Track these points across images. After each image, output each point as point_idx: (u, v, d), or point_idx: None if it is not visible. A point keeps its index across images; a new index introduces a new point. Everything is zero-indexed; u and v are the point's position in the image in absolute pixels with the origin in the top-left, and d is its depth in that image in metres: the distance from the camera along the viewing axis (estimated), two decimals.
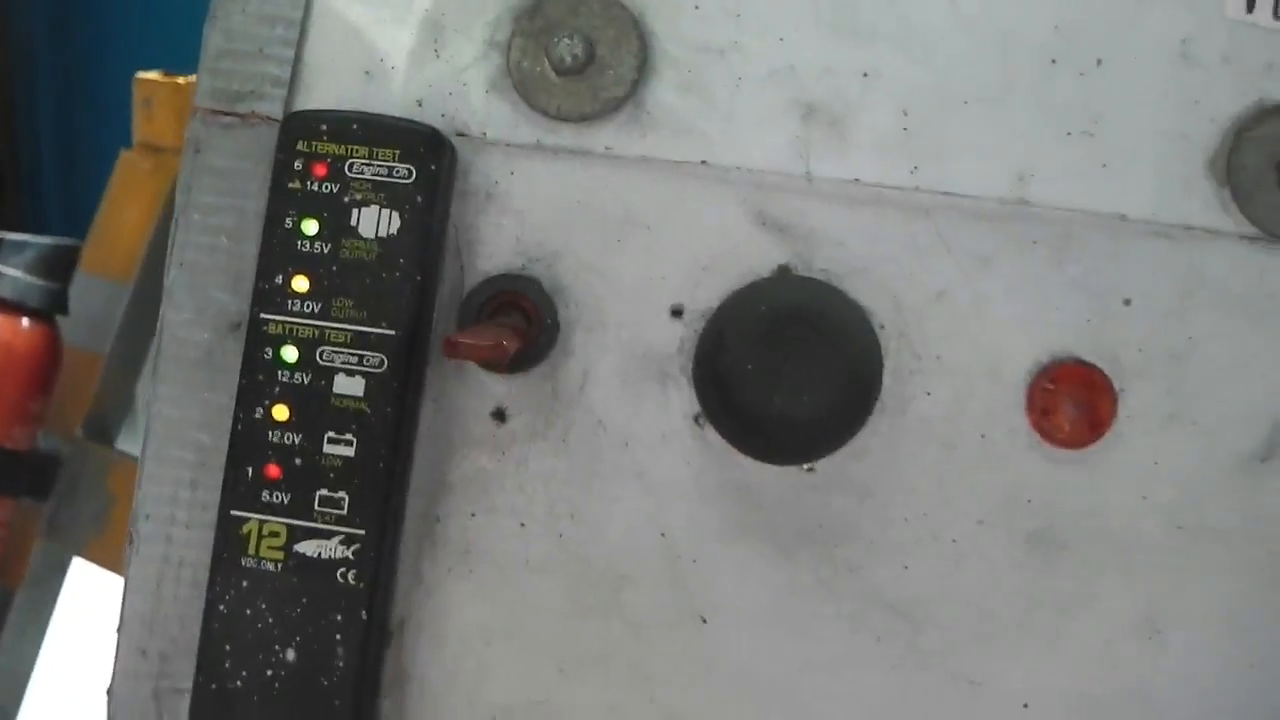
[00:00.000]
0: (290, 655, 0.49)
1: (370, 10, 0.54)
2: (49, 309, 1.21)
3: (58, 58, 2.09)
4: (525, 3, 0.54)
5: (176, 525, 0.53)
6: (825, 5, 0.54)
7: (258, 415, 0.50)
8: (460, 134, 0.54)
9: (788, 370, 0.50)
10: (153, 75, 1.19)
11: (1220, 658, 0.54)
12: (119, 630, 0.54)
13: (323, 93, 0.54)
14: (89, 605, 1.24)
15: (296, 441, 0.50)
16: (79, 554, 1.24)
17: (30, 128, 2.15)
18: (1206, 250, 0.54)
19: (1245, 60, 0.54)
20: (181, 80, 1.19)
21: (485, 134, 0.54)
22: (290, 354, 0.50)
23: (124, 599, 0.54)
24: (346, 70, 0.54)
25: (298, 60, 0.54)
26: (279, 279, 0.50)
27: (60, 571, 1.28)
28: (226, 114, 0.54)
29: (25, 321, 1.20)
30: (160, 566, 0.53)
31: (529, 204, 0.53)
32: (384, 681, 0.53)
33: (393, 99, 0.54)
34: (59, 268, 1.20)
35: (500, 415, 0.53)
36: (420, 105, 0.54)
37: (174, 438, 0.54)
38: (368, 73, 0.54)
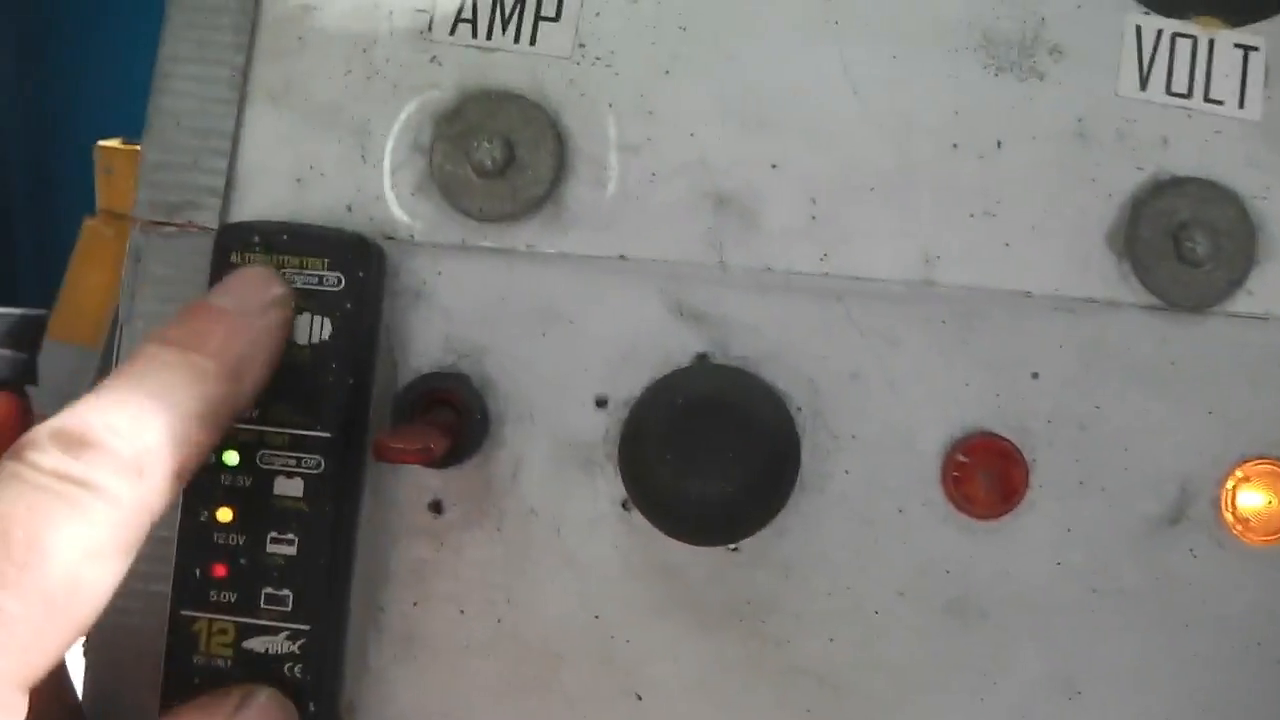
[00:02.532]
0: None
1: (299, 119, 0.57)
2: (18, 379, 1.22)
3: (29, 124, 2.11)
4: (446, 107, 0.56)
5: (131, 616, 0.55)
6: (733, 100, 0.56)
7: (203, 517, 0.52)
8: (388, 236, 0.56)
9: (705, 456, 0.52)
10: (113, 143, 1.21)
11: (1135, 712, 0.56)
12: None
13: (256, 200, 0.57)
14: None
15: (241, 542, 0.52)
16: None
17: (2, 195, 2.17)
18: (1109, 321, 0.56)
19: (1140, 135, 0.57)
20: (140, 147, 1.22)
21: (413, 235, 0.56)
22: (232, 458, 0.52)
23: (85, 686, 0.56)
24: (278, 178, 0.57)
25: (231, 170, 0.57)
26: None
27: None
28: (165, 224, 0.56)
29: None
30: (116, 657, 0.55)
31: (456, 302, 0.56)
32: None
33: (323, 204, 0.56)
34: (26, 337, 1.22)
35: (437, 507, 0.55)
36: (350, 210, 0.56)
37: None
38: (299, 180, 0.56)
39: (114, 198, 1.27)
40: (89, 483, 0.39)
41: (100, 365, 1.24)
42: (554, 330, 0.56)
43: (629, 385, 0.56)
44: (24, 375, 1.25)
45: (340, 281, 0.53)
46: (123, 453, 0.40)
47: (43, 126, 2.17)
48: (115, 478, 0.40)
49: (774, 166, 0.56)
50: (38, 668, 0.40)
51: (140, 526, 0.41)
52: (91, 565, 0.38)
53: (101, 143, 1.26)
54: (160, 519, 0.44)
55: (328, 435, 0.53)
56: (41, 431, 0.41)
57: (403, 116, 0.57)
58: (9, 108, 2.19)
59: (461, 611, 0.56)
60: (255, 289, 0.51)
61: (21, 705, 0.39)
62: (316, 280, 0.53)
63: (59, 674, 0.52)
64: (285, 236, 0.54)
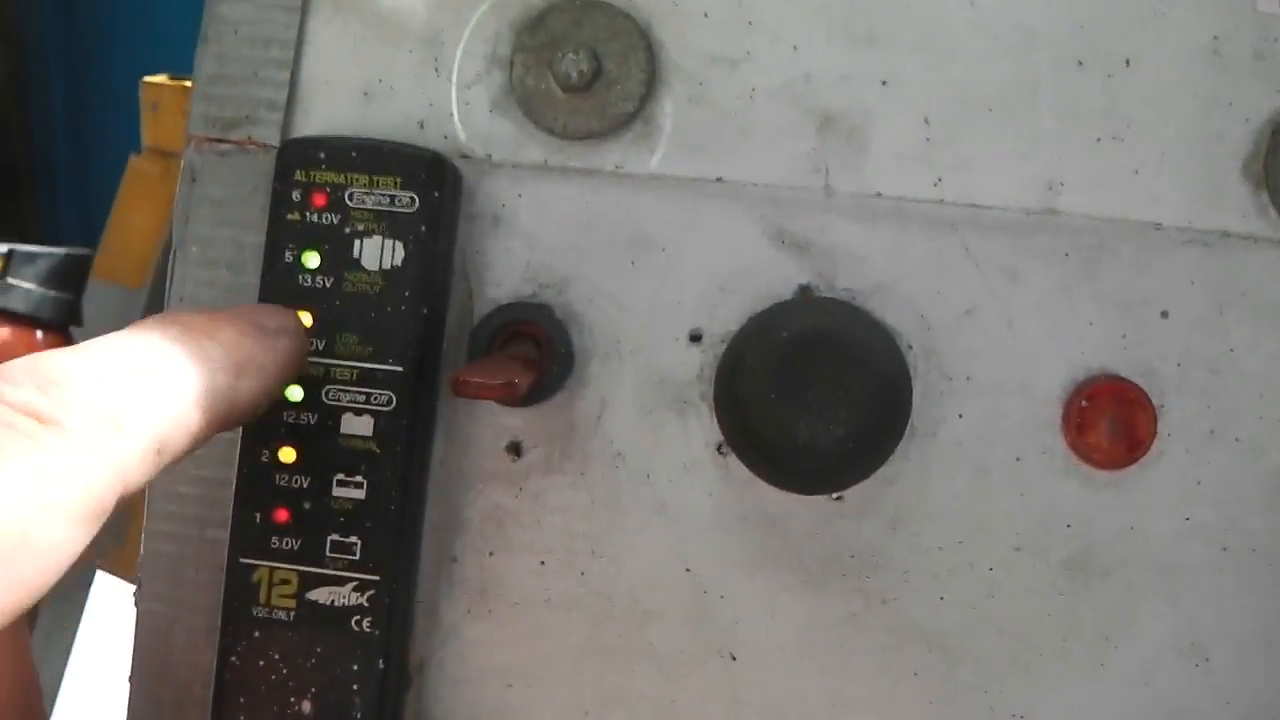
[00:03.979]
0: (306, 707, 0.48)
1: (367, 29, 0.52)
2: (63, 320, 1.19)
3: (69, 63, 2.08)
4: (527, 17, 0.52)
5: (185, 567, 0.51)
6: (839, 11, 0.52)
7: (264, 458, 0.48)
8: (464, 155, 0.52)
9: (812, 397, 0.48)
10: (159, 79, 1.17)
11: (1265, 679, 0.51)
12: (130, 678, 0.52)
13: (320, 116, 0.52)
14: (113, 619, 1.23)
15: (305, 484, 0.48)
16: (101, 567, 1.22)
17: (44, 134, 2.14)
18: (1245, 257, 0.51)
19: (1278, 56, 0.52)
20: (188, 83, 1.18)
21: (490, 155, 0.52)
22: (295, 393, 0.48)
23: (134, 646, 0.52)
24: (344, 91, 0.52)
25: (293, 83, 0.52)
26: None
27: (84, 584, 1.27)
28: (222, 141, 0.52)
29: (39, 334, 1.19)
30: (171, 612, 0.52)
31: (537, 227, 0.51)
32: None
33: (393, 120, 0.52)
34: (71, 278, 1.18)
35: (516, 449, 0.51)
36: (422, 127, 0.52)
37: (179, 475, 0.52)
38: (366, 94, 0.52)
39: (160, 135, 1.22)
40: (54, 419, 0.33)
41: (146, 305, 1.21)
42: (644, 259, 0.52)
43: (726, 319, 0.51)
44: (69, 316, 1.22)
45: (414, 202, 0.49)
46: (101, 400, 0.34)
47: (84, 64, 2.13)
48: (87, 423, 0.34)
49: (884, 84, 0.52)
50: None
51: (108, 489, 0.34)
52: (45, 519, 0.32)
53: (147, 79, 1.22)
54: (134, 492, 0.38)
55: (399, 369, 0.49)
56: (15, 363, 0.34)
57: (479, 25, 0.53)
58: (49, 45, 2.16)
59: (542, 563, 0.52)
60: (273, 313, 0.47)
61: None
62: (388, 200, 0.49)
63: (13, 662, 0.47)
64: (354, 153, 0.50)
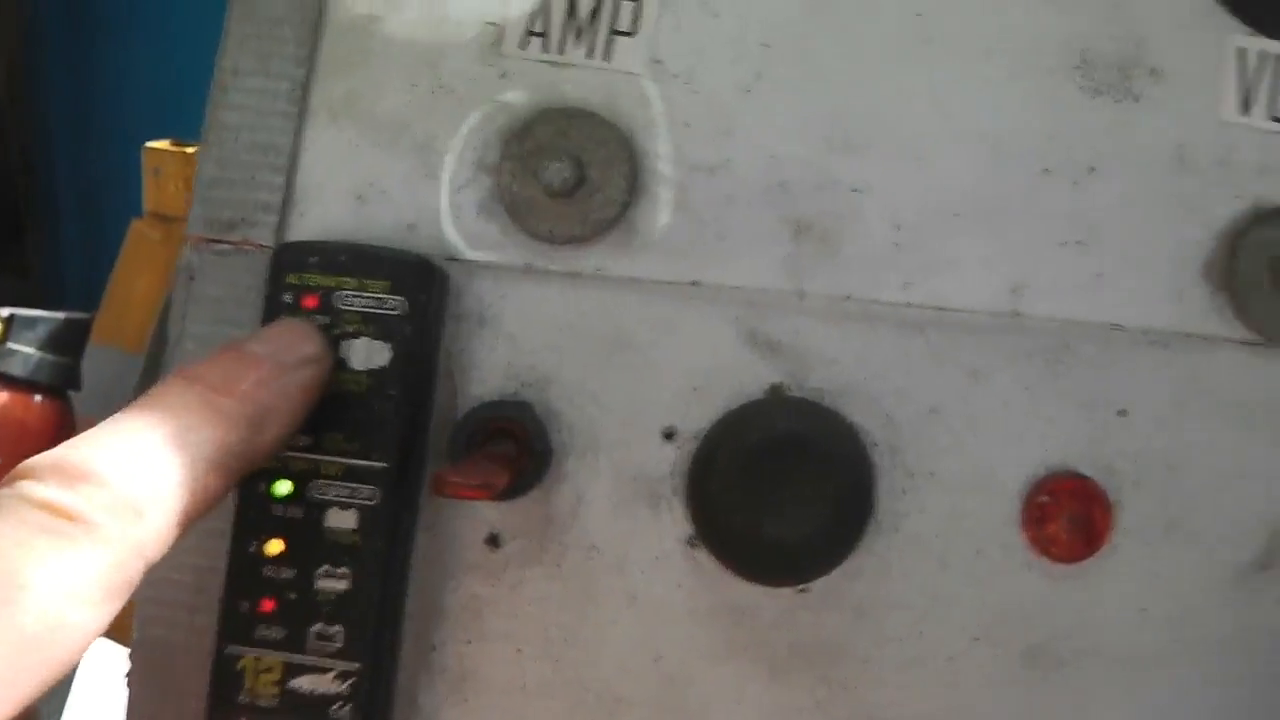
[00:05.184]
0: None
1: (361, 134, 0.55)
2: (61, 384, 1.20)
3: (72, 125, 2.11)
4: (514, 126, 0.54)
5: (175, 651, 0.53)
6: (816, 121, 0.54)
7: (252, 549, 0.50)
8: (452, 258, 0.54)
9: (779, 495, 0.50)
10: (161, 145, 1.18)
11: None
12: None
13: (315, 218, 0.54)
14: (104, 683, 1.24)
15: (290, 576, 0.50)
16: None
17: (49, 196, 2.16)
18: (1204, 357, 0.53)
19: (1240, 163, 0.54)
20: (190, 149, 1.20)
21: (477, 257, 0.54)
22: (283, 488, 0.50)
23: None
24: (338, 195, 0.54)
25: (289, 186, 0.55)
26: None
27: None
28: (219, 241, 0.54)
29: (37, 398, 1.20)
30: (160, 696, 0.53)
31: (521, 327, 0.53)
32: None
33: (385, 223, 0.54)
34: (70, 342, 1.19)
35: (494, 541, 0.53)
36: (412, 229, 0.54)
37: (170, 562, 0.53)
38: (359, 197, 0.54)
39: (162, 200, 1.24)
40: (81, 517, 0.36)
41: (143, 377, 1.22)
42: (622, 359, 0.54)
43: (699, 418, 0.53)
44: (67, 380, 1.23)
45: (401, 305, 0.51)
46: (122, 490, 0.38)
47: (88, 127, 2.16)
48: (110, 515, 0.37)
49: (857, 191, 0.54)
50: (5, 708, 0.37)
51: (132, 570, 0.38)
52: (75, 607, 0.35)
53: (150, 144, 1.24)
54: (157, 563, 0.41)
55: (384, 466, 0.51)
56: (42, 460, 0.38)
57: (469, 133, 0.55)
58: (55, 108, 2.19)
59: (518, 651, 0.54)
60: (293, 341, 0.49)
61: None
62: (376, 303, 0.51)
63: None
64: (344, 257, 0.52)
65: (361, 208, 0.55)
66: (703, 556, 0.53)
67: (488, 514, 0.54)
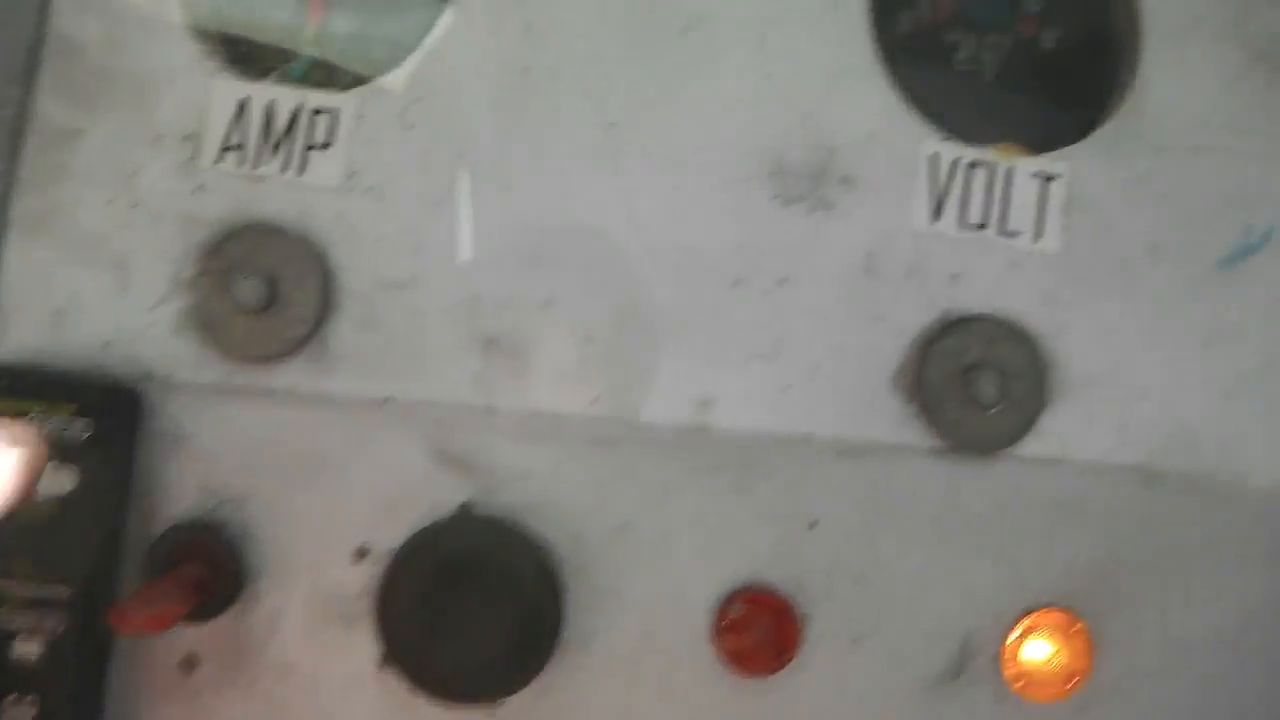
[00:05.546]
0: None
1: (60, 251, 0.54)
2: None
3: None
4: (209, 241, 0.54)
5: None
6: (506, 235, 0.54)
7: None
8: (147, 375, 0.54)
9: (460, 616, 0.51)
10: None
11: None
12: None
13: (13, 335, 0.55)
14: None
15: None
16: None
17: None
18: (894, 466, 0.54)
19: (930, 272, 0.54)
20: None
21: (172, 375, 0.54)
22: None
23: None
24: (39, 311, 0.54)
25: None
26: None
27: None
28: None
29: None
30: None
31: (216, 446, 0.54)
32: None
33: (82, 340, 0.54)
34: None
35: (189, 663, 0.54)
36: (107, 347, 0.54)
37: None
38: (57, 313, 0.54)
39: None
40: None
41: None
42: (316, 477, 0.54)
43: (391, 535, 0.54)
44: None
45: (90, 428, 0.51)
46: None
47: None
48: None
49: (547, 305, 0.54)
50: None
51: None
52: None
53: None
54: None
55: (71, 594, 0.51)
56: None
57: (165, 249, 0.55)
58: None
59: None
60: None
61: None
62: (64, 427, 0.51)
63: None
64: (31, 380, 0.52)
65: (59, 325, 0.55)
66: (392, 678, 0.53)
67: (183, 637, 0.54)
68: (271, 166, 0.55)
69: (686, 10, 0.55)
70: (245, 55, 0.56)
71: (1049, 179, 0.55)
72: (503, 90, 0.55)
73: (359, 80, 0.55)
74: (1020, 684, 0.54)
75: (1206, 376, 0.56)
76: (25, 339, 0.55)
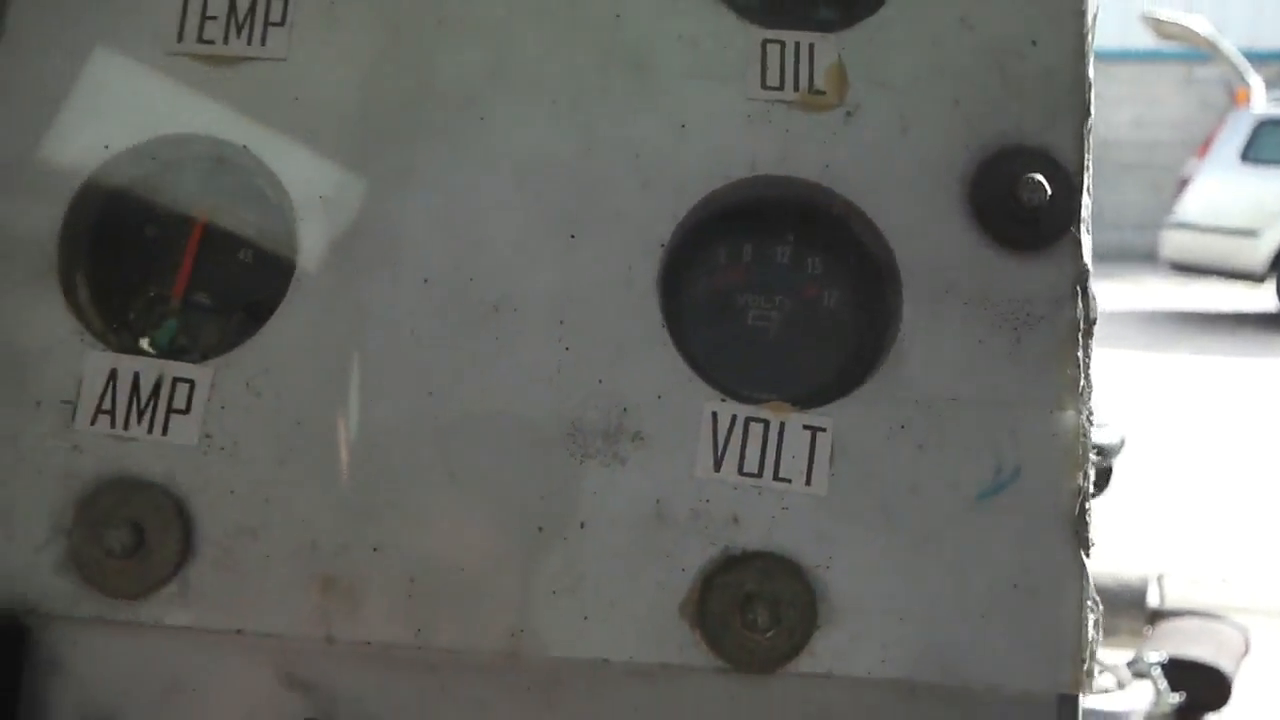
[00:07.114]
0: None
1: None
2: None
3: None
4: (84, 494, 0.63)
5: None
6: (340, 489, 0.62)
7: None
8: (30, 610, 0.62)
9: None
10: None
11: None
12: None
13: None
14: None
15: None
16: None
17: None
18: (682, 686, 0.62)
19: (713, 514, 0.63)
20: None
21: (53, 610, 0.62)
22: None
23: None
24: None
25: None
26: None
27: None
28: None
29: None
30: None
31: (90, 673, 0.62)
32: None
33: None
34: None
35: None
36: None
37: None
38: None
39: None
40: None
41: None
42: (176, 701, 0.62)
43: None
44: None
45: None
46: None
47: None
48: None
49: (376, 550, 0.63)
50: None
51: None
52: None
53: None
54: None
55: None
56: None
57: (46, 500, 0.63)
58: None
59: None
60: None
61: None
62: None
63: None
64: None
65: None
66: None
67: None
68: (139, 429, 0.64)
69: (495, 292, 0.63)
70: (118, 326, 0.64)
71: (818, 431, 0.63)
72: (339, 362, 0.63)
73: (217, 348, 0.64)
74: None
75: (961, 598, 0.63)
76: None
